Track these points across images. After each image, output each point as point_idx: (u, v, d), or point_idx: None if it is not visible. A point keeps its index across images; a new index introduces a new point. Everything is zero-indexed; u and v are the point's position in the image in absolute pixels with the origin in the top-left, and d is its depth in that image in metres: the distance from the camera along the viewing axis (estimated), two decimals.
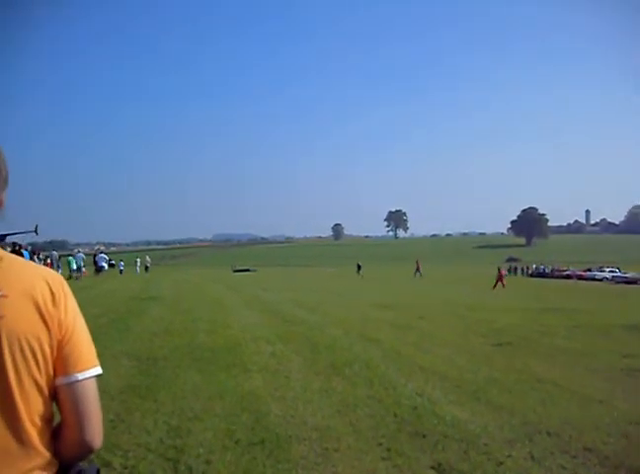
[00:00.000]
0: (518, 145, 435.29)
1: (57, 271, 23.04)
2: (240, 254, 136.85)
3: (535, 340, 9.55)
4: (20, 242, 33.41)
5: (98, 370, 1.26)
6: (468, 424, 4.70)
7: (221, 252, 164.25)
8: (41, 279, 1.21)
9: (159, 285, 24.91)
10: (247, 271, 54.89)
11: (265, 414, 4.89)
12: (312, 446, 4.13)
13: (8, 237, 35.10)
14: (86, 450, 1.25)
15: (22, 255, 17.50)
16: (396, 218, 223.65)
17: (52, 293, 1.21)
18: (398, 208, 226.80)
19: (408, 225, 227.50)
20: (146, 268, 52.34)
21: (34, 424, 1.15)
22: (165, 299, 16.67)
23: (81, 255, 30.86)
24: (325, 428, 4.54)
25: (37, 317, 1.16)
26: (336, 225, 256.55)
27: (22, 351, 1.13)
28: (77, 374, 1.21)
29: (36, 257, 22.53)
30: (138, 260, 52.89)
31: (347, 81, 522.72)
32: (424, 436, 4.37)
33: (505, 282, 31.34)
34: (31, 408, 1.15)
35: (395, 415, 4.92)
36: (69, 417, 1.22)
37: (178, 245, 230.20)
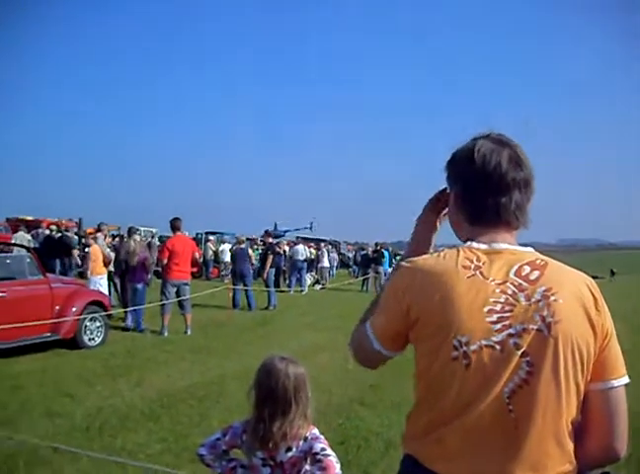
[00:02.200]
0: None
1: None
2: (585, 260, 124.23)
3: None
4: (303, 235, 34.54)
5: (627, 379, 1.23)
6: None
7: (565, 257, 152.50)
8: (583, 283, 1.22)
9: None
10: (595, 278, 50.69)
11: None
12: None
13: (288, 233, 38.06)
14: (611, 458, 1.25)
15: (383, 255, 19.54)
16: None
17: (595, 298, 1.21)
18: None
19: None
20: None
21: (568, 428, 1.17)
22: None
23: None
24: None
25: (586, 321, 1.17)
26: None
27: (572, 355, 1.14)
28: (613, 381, 1.20)
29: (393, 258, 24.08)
30: None
31: None
32: None
33: None
34: (569, 412, 1.16)
35: None
36: (598, 423, 1.22)
37: None
